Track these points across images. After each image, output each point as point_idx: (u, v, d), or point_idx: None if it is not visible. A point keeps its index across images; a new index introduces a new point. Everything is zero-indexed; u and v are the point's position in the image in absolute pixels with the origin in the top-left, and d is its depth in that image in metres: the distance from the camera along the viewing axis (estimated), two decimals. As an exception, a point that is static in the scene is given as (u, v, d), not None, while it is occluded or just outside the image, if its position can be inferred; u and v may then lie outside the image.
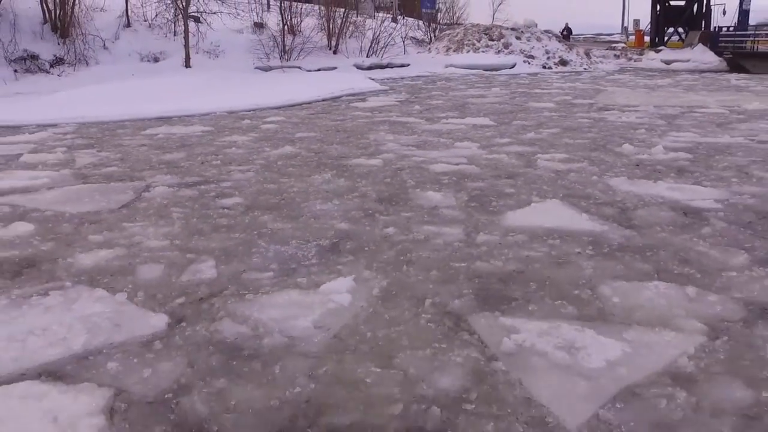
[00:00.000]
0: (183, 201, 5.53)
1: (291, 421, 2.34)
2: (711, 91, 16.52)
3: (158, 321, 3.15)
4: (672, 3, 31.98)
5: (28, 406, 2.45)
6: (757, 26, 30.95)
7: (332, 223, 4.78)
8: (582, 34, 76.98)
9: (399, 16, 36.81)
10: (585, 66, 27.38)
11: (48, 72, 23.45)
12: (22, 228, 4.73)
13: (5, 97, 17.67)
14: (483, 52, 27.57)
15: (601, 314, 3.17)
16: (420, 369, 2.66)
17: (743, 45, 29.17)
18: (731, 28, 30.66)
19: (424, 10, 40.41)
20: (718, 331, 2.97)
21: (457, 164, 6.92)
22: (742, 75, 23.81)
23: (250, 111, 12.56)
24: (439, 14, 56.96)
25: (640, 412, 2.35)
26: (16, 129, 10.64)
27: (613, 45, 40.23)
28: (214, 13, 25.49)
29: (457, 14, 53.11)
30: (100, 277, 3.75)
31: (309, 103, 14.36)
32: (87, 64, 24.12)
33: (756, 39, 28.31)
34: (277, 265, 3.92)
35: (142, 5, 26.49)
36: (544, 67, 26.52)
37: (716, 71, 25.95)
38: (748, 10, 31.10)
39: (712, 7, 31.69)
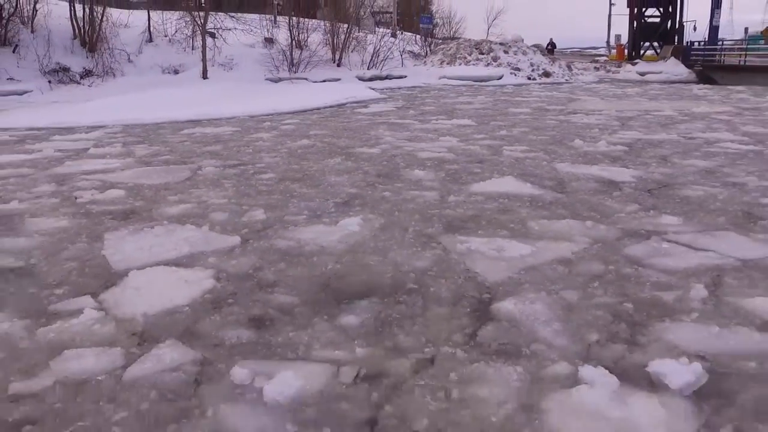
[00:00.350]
0: (229, 176, 7.04)
1: (326, 281, 3.83)
2: (671, 99, 18.06)
3: (234, 240, 4.64)
4: (648, 20, 33.58)
5: (165, 276, 3.94)
6: (723, 42, 32.59)
7: (344, 189, 6.29)
8: (570, 48, 78.55)
9: (398, 32, 38.36)
10: (567, 78, 28.95)
11: (79, 83, 24.95)
12: (116, 193, 6.23)
13: (45, 104, 19.10)
14: (473, 64, 29.14)
15: (524, 235, 4.67)
16: (404, 259, 4.16)
17: (713, 58, 30.78)
18: (702, 43, 32.27)
19: (422, 26, 42.05)
20: (597, 242, 4.47)
21: (439, 152, 8.44)
22: (705, 85, 25.38)
23: (268, 115, 14.08)
24: (436, 29, 58.64)
25: (535, 275, 3.84)
26: (71, 130, 12.12)
27: (597, 58, 41.83)
28: (229, 29, 27.04)
29: (453, 29, 54.72)
30: (185, 219, 5.24)
31: (318, 108, 15.86)
32: (114, 75, 25.63)
33: (723, 53, 29.94)
34: (307, 212, 5.42)
35: (162, 22, 28.09)
36: (529, 79, 28.09)
37: (685, 82, 27.52)
38: (718, 26, 32.72)
39: (685, 24, 33.34)
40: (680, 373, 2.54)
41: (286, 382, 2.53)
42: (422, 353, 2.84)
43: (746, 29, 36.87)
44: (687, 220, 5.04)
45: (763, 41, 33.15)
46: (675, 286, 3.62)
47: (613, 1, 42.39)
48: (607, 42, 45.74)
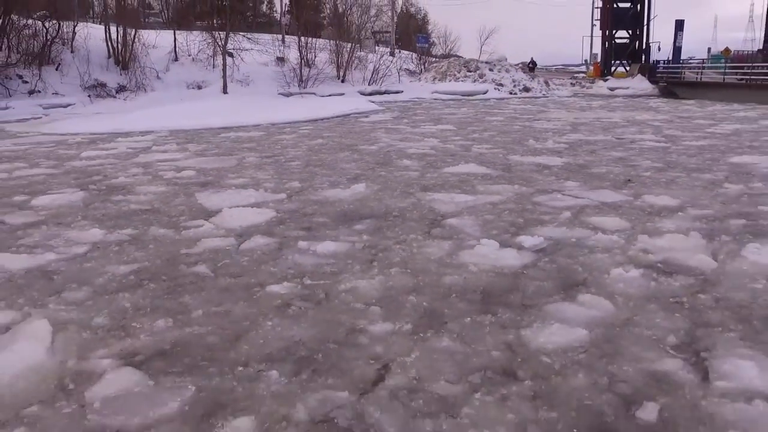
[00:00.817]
0: (267, 163, 9.21)
1: (344, 212, 5.96)
2: (625, 110, 20.27)
3: (282, 196, 6.79)
4: (618, 41, 35.91)
5: (245, 211, 6.06)
6: (684, 61, 34.91)
7: (352, 171, 8.45)
8: (556, 65, 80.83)
9: (396, 51, 40.68)
10: (544, 92, 31.20)
11: (114, 97, 27.11)
12: (189, 173, 8.38)
13: (91, 115, 21.24)
14: (462, 81, 31.41)
15: (471, 192, 6.83)
16: (392, 203, 6.31)
17: (676, 75, 33.03)
18: (667, 62, 34.57)
19: (418, 45, 44.44)
20: (517, 194, 6.63)
21: (423, 149, 10.62)
22: (664, 99, 27.63)
23: (285, 123, 16.24)
24: (432, 47, 61.22)
25: (471, 209, 5.97)
26: (128, 134, 14.27)
27: (576, 75, 44.05)
28: (246, 49, 29.30)
29: (449, 47, 57.24)
30: (245, 187, 7.39)
31: (327, 118, 18.03)
32: (145, 90, 27.80)
33: (683, 70, 32.25)
34: (328, 183, 7.57)
35: (187, 43, 30.32)
36: (511, 93, 30.34)
37: (649, 96, 29.74)
38: (681, 47, 35.00)
39: (651, 44, 35.66)
40: (532, 241, 4.72)
41: (327, 247, 4.69)
42: (398, 238, 5.00)
43: (709, 49, 39.26)
44: (582, 184, 7.22)
45: (723, 60, 35.38)
46: (553, 213, 5.79)
47: (594, 21, 44.63)
48: (585, 60, 48.09)
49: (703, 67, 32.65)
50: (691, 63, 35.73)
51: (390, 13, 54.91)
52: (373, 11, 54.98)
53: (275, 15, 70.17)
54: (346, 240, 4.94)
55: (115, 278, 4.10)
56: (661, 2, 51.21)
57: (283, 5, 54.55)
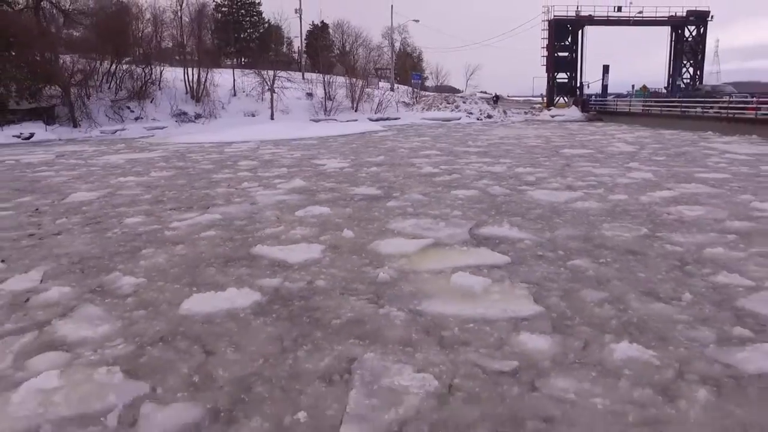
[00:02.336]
0: (332, 152, 16.98)
1: (376, 163, 13.72)
2: (546, 129, 28.09)
3: (350, 161, 14.56)
4: (559, 81, 43.98)
5: (337, 162, 13.85)
6: (611, 94, 42.99)
7: (377, 153, 16.23)
8: (525, 96, 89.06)
9: (395, 86, 48.69)
10: (502, 119, 39.12)
11: (194, 122, 34.81)
12: (297, 154, 16.14)
13: (188, 133, 28.75)
14: (443, 110, 39.32)
15: (433, 165, 14.61)
16: (395, 161, 14.08)
17: (604, 106, 40.98)
18: (597, 96, 42.59)
19: (413, 81, 52.57)
20: (448, 159, 14.41)
21: (410, 146, 18.42)
22: (576, 122, 35.55)
23: (324, 137, 23.98)
24: (425, 81, 69.62)
25: (427, 163, 13.74)
26: (231, 143, 21.90)
27: (534, 105, 52.01)
28: (286, 88, 37.18)
29: (440, 80, 65.68)
30: (333, 159, 15.12)
31: (351, 134, 25.78)
32: (215, 117, 35.54)
33: (606, 102, 40.28)
34: (367, 157, 15.32)
35: (242, 82, 38.17)
36: (477, 119, 38.22)
37: (576, 121, 37.65)
38: (607, 85, 43.05)
39: (584, 83, 43.72)
40: (446, 167, 12.52)
41: (373, 170, 12.47)
42: (397, 167, 12.74)
43: (633, 86, 47.07)
44: (480, 158, 14.98)
45: (642, 95, 43.32)
46: (463, 163, 13.55)
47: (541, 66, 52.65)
48: (542, 94, 56.15)
49: (617, 101, 40.65)
50: (610, 97, 43.66)
51: (390, 53, 63.37)
52: (375, 52, 63.48)
53: (294, 55, 78.71)
54: (378, 167, 12.64)
55: (319, 183, 11.79)
56: (634, 40, 58.88)
57: (302, 46, 62.79)
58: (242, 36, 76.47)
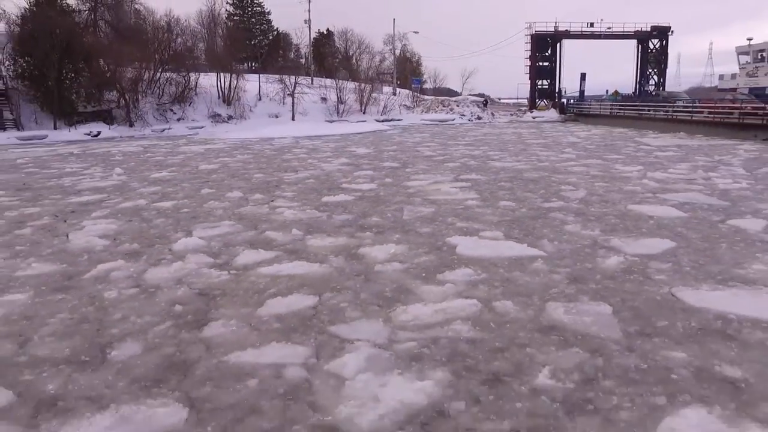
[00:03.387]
0: (361, 143, 22.52)
1: (392, 150, 19.28)
2: (524, 128, 33.67)
3: (373, 150, 20.14)
4: (540, 87, 49.62)
5: (362, 150, 19.42)
6: (594, 98, 48.68)
7: (392, 147, 21.79)
8: (515, 99, 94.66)
9: (397, 90, 54.21)
10: (490, 120, 44.70)
11: (227, 122, 40.21)
12: (331, 145, 21.68)
13: (226, 131, 34.22)
14: (439, 112, 44.85)
15: (431, 149, 20.19)
16: (405, 149, 19.66)
17: (581, 108, 46.54)
18: (575, 100, 48.21)
19: (413, 86, 58.13)
20: (443, 146, 19.99)
21: (414, 141, 23.99)
22: (552, 122, 41.12)
23: (342, 134, 29.47)
24: (424, 84, 75.40)
25: (426, 147, 19.29)
26: (271, 138, 27.39)
27: (520, 107, 57.58)
28: (305, 93, 42.67)
29: (438, 83, 71.43)
30: (363, 149, 20.67)
31: (363, 132, 31.29)
32: (244, 118, 40.96)
33: (582, 105, 45.90)
34: (385, 147, 20.88)
35: (266, 88, 43.64)
36: (469, 120, 43.77)
37: (554, 121, 43.23)
38: (584, 90, 48.64)
39: (562, 89, 49.39)
40: (431, 145, 18.13)
41: (390, 151, 18.06)
42: (405, 150, 18.29)
43: (607, 91, 52.50)
44: (465, 147, 20.53)
45: (613, 99, 48.85)
46: (452, 150, 19.11)
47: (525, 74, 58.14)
48: (527, 97, 61.77)
49: (591, 104, 46.26)
50: (588, 101, 49.26)
51: (391, 59, 68.99)
52: (377, 58, 69.39)
53: (301, 60, 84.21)
54: (394, 152, 18.19)
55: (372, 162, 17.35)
56: (607, 50, 65.03)
57: (311, 54, 68.30)
58: (253, 43, 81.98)
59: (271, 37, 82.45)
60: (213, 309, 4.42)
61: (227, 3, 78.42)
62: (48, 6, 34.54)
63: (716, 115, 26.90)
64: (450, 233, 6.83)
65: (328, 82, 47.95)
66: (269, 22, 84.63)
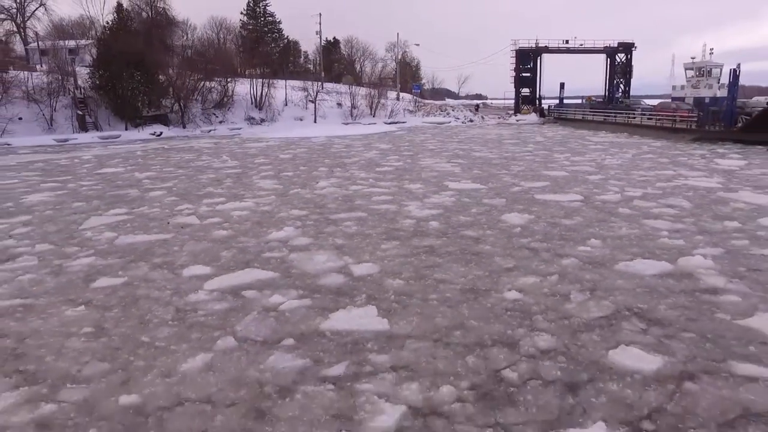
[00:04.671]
0: (382, 140, 30.01)
1: (409, 144, 26.74)
2: (506, 130, 41.13)
3: (391, 146, 27.64)
4: (523, 94, 57.16)
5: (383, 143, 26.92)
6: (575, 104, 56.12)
7: (403, 142, 29.28)
8: (504, 101, 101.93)
9: (400, 95, 61.62)
10: (479, 122, 52.15)
11: (260, 124, 47.59)
12: (359, 142, 29.17)
13: (263, 132, 41.69)
14: (437, 116, 52.29)
15: (431, 137, 27.71)
16: (411, 145, 27.15)
17: (560, 113, 53.89)
18: (556, 106, 55.62)
19: (414, 91, 65.56)
20: (440, 140, 27.50)
21: (419, 139, 31.49)
22: (532, 125, 48.57)
23: (362, 134, 36.87)
24: (424, 86, 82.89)
25: (430, 141, 26.79)
26: (309, 138, 34.81)
27: (508, 111, 65.05)
28: (324, 99, 50.07)
29: (436, 85, 78.74)
30: (384, 144, 28.14)
31: (376, 133, 38.67)
32: (274, 121, 48.36)
33: (561, 110, 53.37)
34: (402, 142, 28.36)
35: (291, 95, 51.02)
36: (462, 123, 51.19)
37: (533, 124, 50.65)
38: (563, 97, 56.04)
39: (541, 96, 56.89)
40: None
41: (403, 139, 25.59)
42: (411, 141, 25.78)
43: (583, 97, 59.97)
44: (457, 144, 28.03)
45: (587, 104, 56.25)
46: (448, 149, 26.63)
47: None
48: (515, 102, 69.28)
49: (568, 110, 53.69)
50: (569, 107, 56.70)
51: (393, 65, 76.29)
52: (380, 64, 76.71)
53: (309, 66, 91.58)
54: (407, 147, 25.67)
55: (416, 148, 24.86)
56: (583, 63, 72.02)
57: (320, 59, 75.48)
58: (265, 50, 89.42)
59: (282, 45, 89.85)
60: (352, 200, 11.85)
61: (241, 13, 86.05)
62: (120, 30, 41.88)
63: (657, 121, 34.27)
64: (445, 181, 14.33)
65: (343, 88, 55.38)
66: (280, 31, 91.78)
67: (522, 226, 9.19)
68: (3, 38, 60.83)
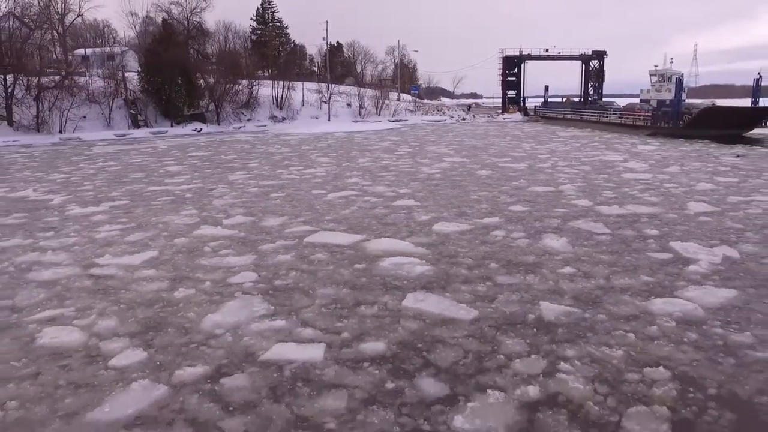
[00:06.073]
0: (388, 136, 37.10)
1: (414, 137, 33.86)
2: (493, 127, 48.23)
3: (401, 138, 34.77)
4: (509, 96, 64.34)
5: (392, 135, 34.04)
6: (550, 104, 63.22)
7: (408, 137, 36.39)
8: (492, 100, 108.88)
9: (400, 96, 68.65)
10: (471, 121, 59.25)
11: (281, 122, 54.50)
12: (372, 135, 36.29)
13: (289, 127, 48.74)
14: (434, 115, 59.36)
15: (432, 137, 34.86)
16: (416, 137, 34.28)
17: (545, 113, 60.96)
18: (541, 106, 62.74)
19: (412, 92, 72.61)
20: (439, 134, 34.63)
21: (420, 135, 38.61)
22: (516, 122, 55.73)
23: (372, 131, 43.87)
24: (420, 86, 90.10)
25: (431, 135, 33.91)
26: (331, 133, 41.77)
27: (497, 111, 72.19)
28: (336, 101, 57.09)
29: (432, 85, 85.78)
30: (392, 138, 35.25)
31: (384, 129, 45.72)
32: (294, 119, 55.30)
33: (545, 110, 60.43)
34: (408, 136, 35.48)
35: (307, 96, 57.99)
36: (456, 121, 58.26)
37: (518, 122, 57.72)
38: (548, 99, 63.24)
39: (525, 97, 64.06)
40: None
41: (408, 132, 32.73)
42: (416, 134, 32.90)
43: (562, 97, 67.18)
44: (452, 137, 35.18)
45: (568, 104, 63.34)
46: (446, 141, 33.75)
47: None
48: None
49: (551, 110, 60.84)
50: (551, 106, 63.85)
51: (392, 67, 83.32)
52: (380, 67, 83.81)
53: (314, 69, 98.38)
54: (413, 139, 32.80)
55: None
56: (563, 68, 79.44)
57: (327, 63, 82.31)
58: (273, 53, 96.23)
59: (288, 49, 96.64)
60: (387, 168, 18.94)
61: (251, 19, 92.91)
62: (166, 41, 48.77)
63: (624, 119, 41.23)
64: (442, 158, 21.46)
65: (352, 90, 62.39)
66: (287, 35, 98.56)
67: (486, 176, 16.34)
68: (45, 45, 67.50)
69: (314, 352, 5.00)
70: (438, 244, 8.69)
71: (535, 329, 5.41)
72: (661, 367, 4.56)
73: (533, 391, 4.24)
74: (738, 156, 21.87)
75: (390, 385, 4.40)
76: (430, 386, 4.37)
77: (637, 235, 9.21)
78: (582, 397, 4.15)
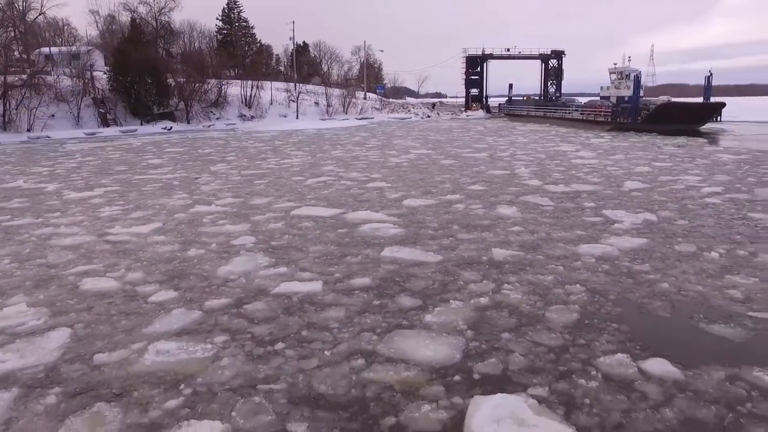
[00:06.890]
0: (359, 131, 38.38)
1: (387, 130, 35.24)
2: (456, 123, 50.05)
3: (371, 134, 36.11)
4: (473, 93, 66.42)
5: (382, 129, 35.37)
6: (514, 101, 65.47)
7: (378, 133, 37.79)
8: (455, 99, 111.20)
9: (366, 95, 69.99)
10: (435, 118, 61.01)
11: (251, 120, 55.13)
12: (345, 135, 37.54)
13: (255, 127, 49.56)
14: (400, 112, 60.88)
15: (400, 133, 36.30)
16: (385, 132, 35.70)
17: (509, 110, 63.15)
18: (505, 103, 64.94)
19: (377, 91, 74.05)
20: (406, 129, 36.12)
21: (389, 131, 40.03)
22: (478, 119, 57.78)
23: (341, 128, 45.10)
24: (386, 85, 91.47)
25: (400, 130, 35.39)
26: (301, 130, 42.87)
27: (461, 108, 74.28)
28: (304, 99, 58.01)
29: (397, 84, 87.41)
30: (362, 135, 36.53)
31: (352, 126, 46.97)
32: (263, 117, 55.97)
33: (510, 107, 62.62)
34: (378, 131, 36.85)
35: (275, 95, 58.73)
36: (421, 118, 59.93)
37: (480, 119, 59.82)
38: (511, 96, 65.52)
39: (487, 96, 66.26)
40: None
41: (389, 125, 34.12)
42: (392, 130, 34.33)
43: (523, 96, 69.67)
44: (418, 131, 36.73)
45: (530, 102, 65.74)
46: (412, 135, 35.27)
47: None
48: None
49: (515, 107, 63.09)
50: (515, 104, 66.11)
51: (358, 67, 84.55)
52: (345, 66, 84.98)
53: (281, 68, 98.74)
54: (382, 134, 34.19)
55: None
56: (524, 67, 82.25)
57: (294, 63, 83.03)
58: (239, 53, 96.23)
59: (255, 48, 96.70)
60: (358, 159, 20.27)
61: (217, 19, 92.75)
62: (135, 41, 48.84)
63: (584, 115, 43.32)
64: (409, 150, 22.89)
65: (319, 89, 63.39)
66: (253, 35, 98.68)
67: (450, 164, 17.83)
68: (7, 44, 66.10)
69: (314, 286, 6.28)
70: (408, 214, 10.06)
71: (487, 266, 6.84)
72: (578, 285, 6.04)
73: (484, 300, 5.66)
74: (679, 146, 24.00)
75: (376, 302, 5.74)
76: (407, 301, 5.73)
77: (576, 206, 10.78)
78: (519, 302, 5.59)
